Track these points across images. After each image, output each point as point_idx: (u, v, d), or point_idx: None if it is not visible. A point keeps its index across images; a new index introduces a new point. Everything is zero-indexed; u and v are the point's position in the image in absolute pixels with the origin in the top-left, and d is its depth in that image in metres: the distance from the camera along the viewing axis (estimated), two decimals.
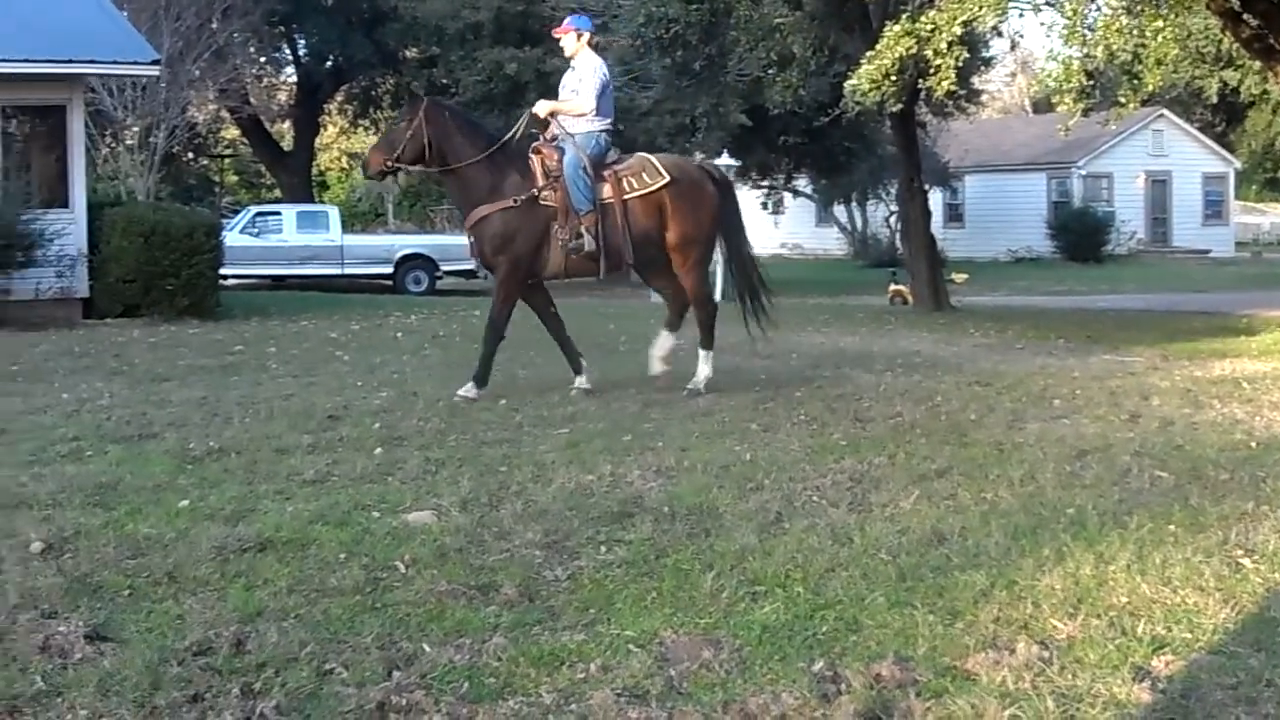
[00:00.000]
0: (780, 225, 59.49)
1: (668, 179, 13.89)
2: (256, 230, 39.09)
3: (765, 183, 51.07)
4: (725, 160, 32.95)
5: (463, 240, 42.72)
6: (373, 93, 53.34)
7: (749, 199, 46.11)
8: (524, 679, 5.72)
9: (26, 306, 23.05)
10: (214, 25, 35.79)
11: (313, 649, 5.97)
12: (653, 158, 14.33)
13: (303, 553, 7.53)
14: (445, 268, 39.87)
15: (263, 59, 51.04)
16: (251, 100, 48.80)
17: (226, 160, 63.94)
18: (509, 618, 6.44)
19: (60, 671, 5.76)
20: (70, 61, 23.98)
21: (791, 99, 28.39)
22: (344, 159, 72.28)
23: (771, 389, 14.11)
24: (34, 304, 23.18)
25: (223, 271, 27.00)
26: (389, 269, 39.43)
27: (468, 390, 13.34)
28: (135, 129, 34.75)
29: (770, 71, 28.72)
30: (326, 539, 7.78)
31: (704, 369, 14.25)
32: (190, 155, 52.97)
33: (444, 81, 41.66)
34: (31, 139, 25.77)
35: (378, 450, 10.46)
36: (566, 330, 14.43)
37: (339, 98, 55.18)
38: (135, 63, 25.50)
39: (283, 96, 56.56)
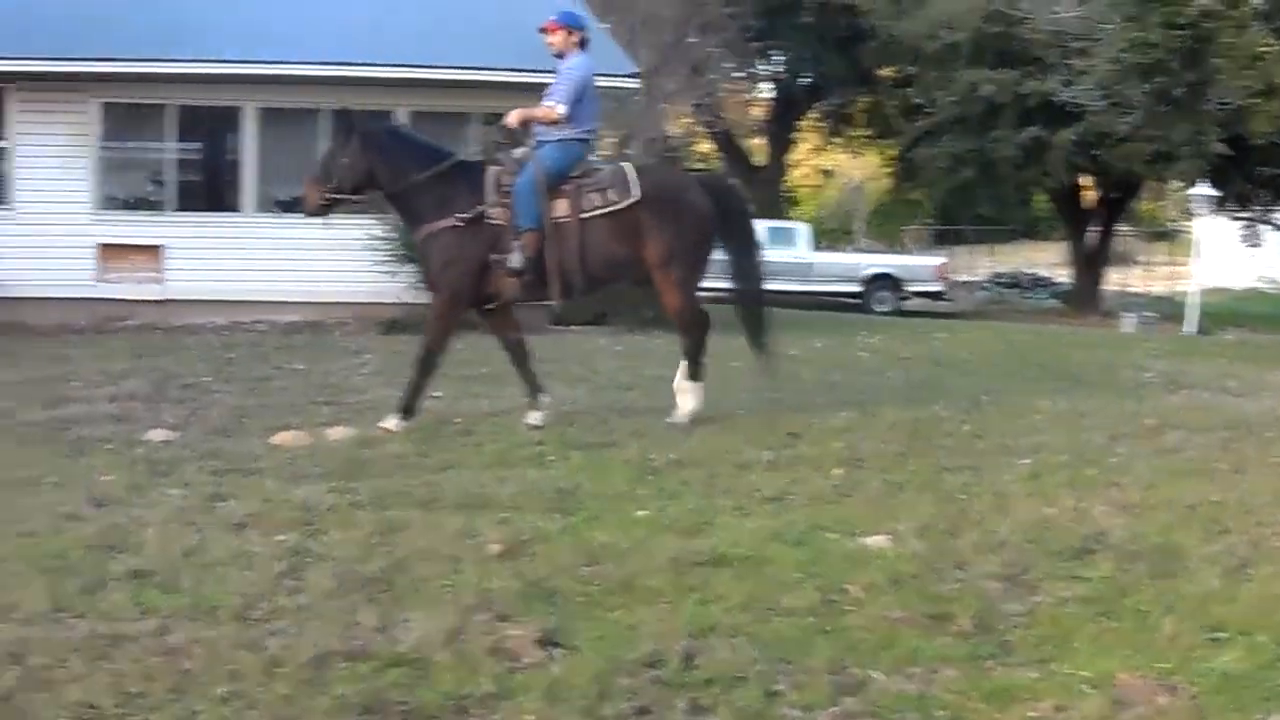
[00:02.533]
0: (1256, 258, 57.46)
1: (636, 197, 12.43)
2: None
3: (1244, 214, 49.36)
4: (1202, 190, 31.86)
5: (930, 261, 42.85)
6: (847, 111, 53.33)
7: (1227, 231, 44.53)
8: (974, 714, 5.52)
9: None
10: (691, 40, 36.17)
11: (762, 668, 5.87)
12: (630, 170, 12.78)
13: (758, 570, 7.44)
14: (912, 288, 39.62)
15: (738, 75, 51.52)
16: (725, 115, 49.29)
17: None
18: (962, 649, 6.24)
19: (509, 675, 5.78)
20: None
21: (1273, 129, 27.39)
22: (816, 175, 72.55)
23: (1242, 429, 13.41)
24: None
25: None
26: (856, 287, 39.36)
27: (389, 422, 12.11)
28: (612, 140, 35.37)
29: (1253, 100, 27.79)
30: (782, 558, 7.67)
31: (689, 402, 12.87)
32: None
33: (918, 101, 41.41)
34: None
35: (837, 470, 10.31)
36: (529, 362, 13.10)
37: (813, 115, 55.32)
38: (613, 75, 25.89)
39: (757, 112, 57.03)
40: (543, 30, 12.83)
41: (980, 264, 55.87)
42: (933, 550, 7.92)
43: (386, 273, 23.21)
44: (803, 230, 41.61)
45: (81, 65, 22.93)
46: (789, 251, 39.08)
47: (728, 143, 53.69)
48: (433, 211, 12.37)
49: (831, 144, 58.39)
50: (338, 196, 12.48)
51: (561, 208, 12.36)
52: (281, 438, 11.46)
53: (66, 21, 23.41)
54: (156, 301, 23.36)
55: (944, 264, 42.87)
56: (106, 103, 23.85)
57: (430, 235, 12.41)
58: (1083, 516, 8.95)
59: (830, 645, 6.23)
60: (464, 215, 12.24)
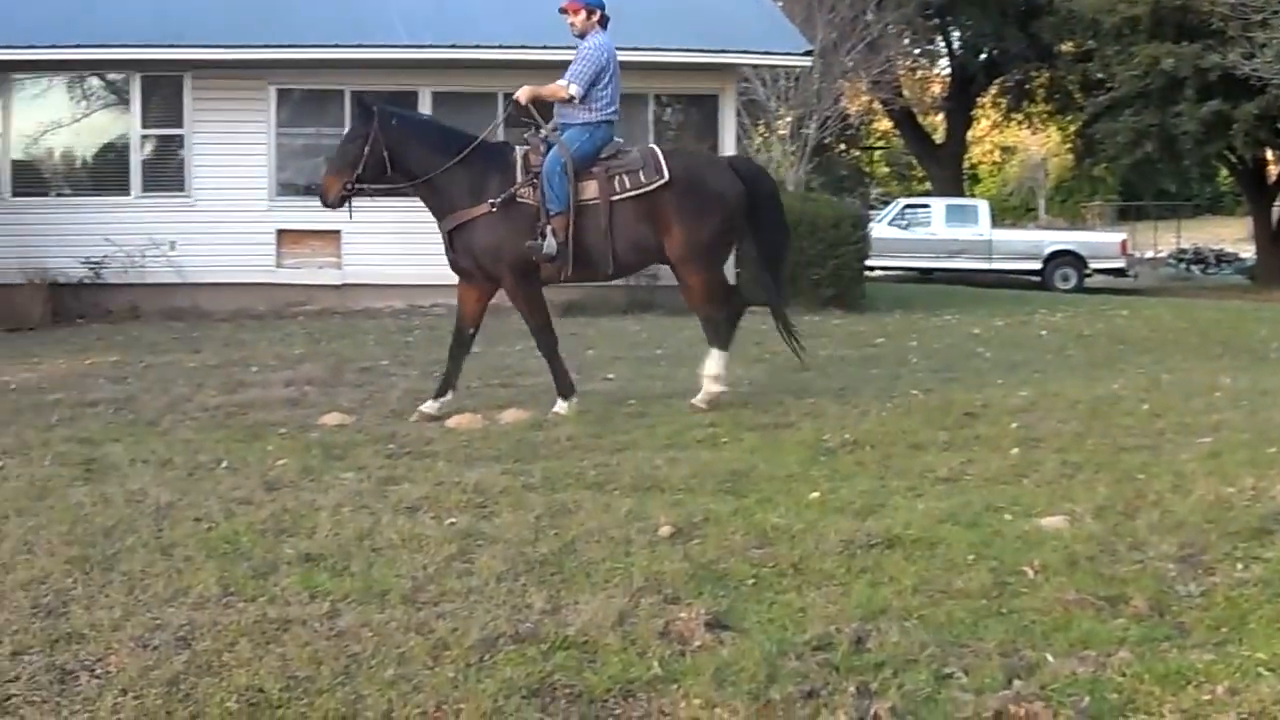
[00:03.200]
0: None
1: (665, 178, 12.23)
2: (905, 222, 39.27)
3: None
4: None
5: (1112, 237, 42.26)
6: (1026, 86, 52.73)
7: None
8: (1147, 696, 5.38)
9: (673, 292, 23.43)
10: (868, 17, 35.87)
11: (933, 651, 5.77)
12: (659, 151, 12.61)
13: (930, 552, 7.33)
14: (1094, 265, 39.12)
15: (916, 51, 51.18)
16: (904, 92, 48.95)
17: (877, 152, 64.47)
18: (1136, 632, 6.09)
19: (678, 658, 5.74)
20: (723, 51, 24.48)
21: None
22: (996, 152, 71.87)
23: None
24: (678, 289, 23.72)
25: (869, 263, 27.08)
26: (1037, 265, 38.92)
27: (559, 407, 12.11)
28: (787, 119, 35.21)
29: None
30: (955, 539, 7.55)
31: (715, 366, 12.54)
32: (842, 146, 53.59)
33: (1099, 76, 40.86)
34: (683, 127, 26.43)
35: (1014, 450, 10.15)
36: (464, 358, 12.60)
37: (992, 91, 54.77)
38: (788, 53, 25.79)
39: (936, 89, 56.61)
40: (562, 10, 12.55)
41: (1163, 240, 55.06)
42: (1109, 531, 7.75)
43: None
44: (983, 208, 41.24)
45: (258, 52, 23.19)
46: (969, 229, 38.81)
47: (907, 120, 53.30)
48: (465, 198, 12.19)
49: (1011, 120, 57.79)
50: (359, 187, 12.30)
51: (590, 190, 12.16)
52: (456, 420, 11.53)
53: (242, 9, 23.74)
54: (335, 286, 23.60)
55: (1126, 240, 42.30)
56: (282, 89, 24.12)
57: (467, 223, 12.18)
58: (1262, 496, 8.71)
59: (1003, 627, 6.12)
60: (496, 200, 12.06)
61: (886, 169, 67.63)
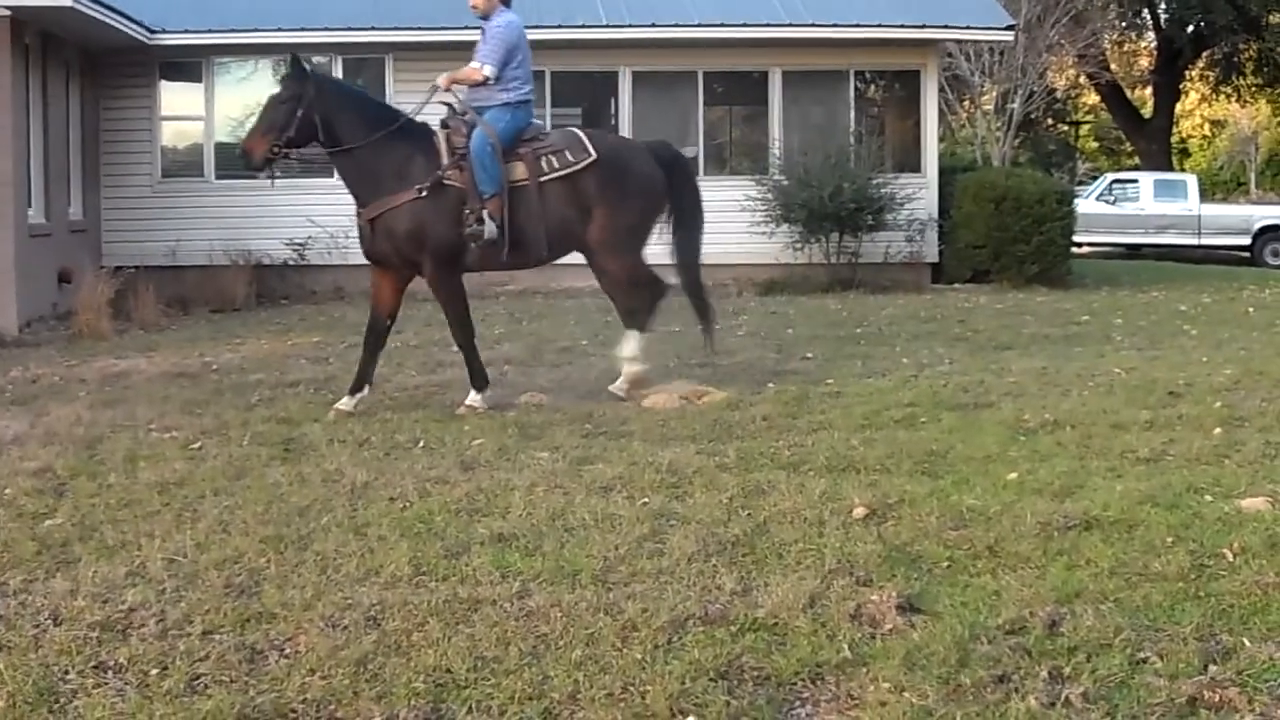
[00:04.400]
0: None
1: (593, 156, 11.96)
2: (1112, 198, 38.64)
3: None
4: None
5: None
6: (1234, 59, 51.61)
7: None
8: None
9: (876, 269, 23.52)
10: None
11: (1128, 635, 5.65)
12: (581, 133, 12.37)
13: (1128, 534, 7.18)
14: None
15: (1122, 24, 50.34)
16: (1111, 66, 48.18)
17: (1085, 127, 63.55)
18: None
19: (868, 641, 5.68)
20: (925, 27, 24.24)
21: None
22: (1206, 126, 70.51)
23: None
24: (883, 267, 23.63)
25: (1075, 239, 26.71)
26: (1246, 240, 38.10)
27: (473, 400, 11.70)
28: (992, 94, 34.86)
29: None
30: (1154, 521, 7.38)
31: (631, 347, 12.32)
32: (1048, 121, 52.90)
33: None
34: (885, 104, 26.31)
35: (1217, 430, 9.91)
36: (379, 351, 12.18)
37: (1200, 64, 53.68)
38: (990, 28, 25.52)
39: (1143, 62, 55.65)
40: None
41: None
42: None
43: (764, 233, 23.25)
44: (1191, 182, 40.45)
45: (458, 34, 23.34)
46: (1178, 204, 38.09)
47: (1114, 94, 52.44)
48: (389, 181, 11.78)
49: (1220, 93, 56.59)
50: (285, 149, 11.90)
51: (519, 171, 11.85)
52: (653, 400, 11.52)
53: None
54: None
55: None
56: None
57: (393, 210, 11.73)
58: None
59: (1200, 611, 5.97)
60: (424, 185, 11.68)
61: (1095, 144, 66.67)
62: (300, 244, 22.92)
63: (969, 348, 14.97)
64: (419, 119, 12.15)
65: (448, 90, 12.09)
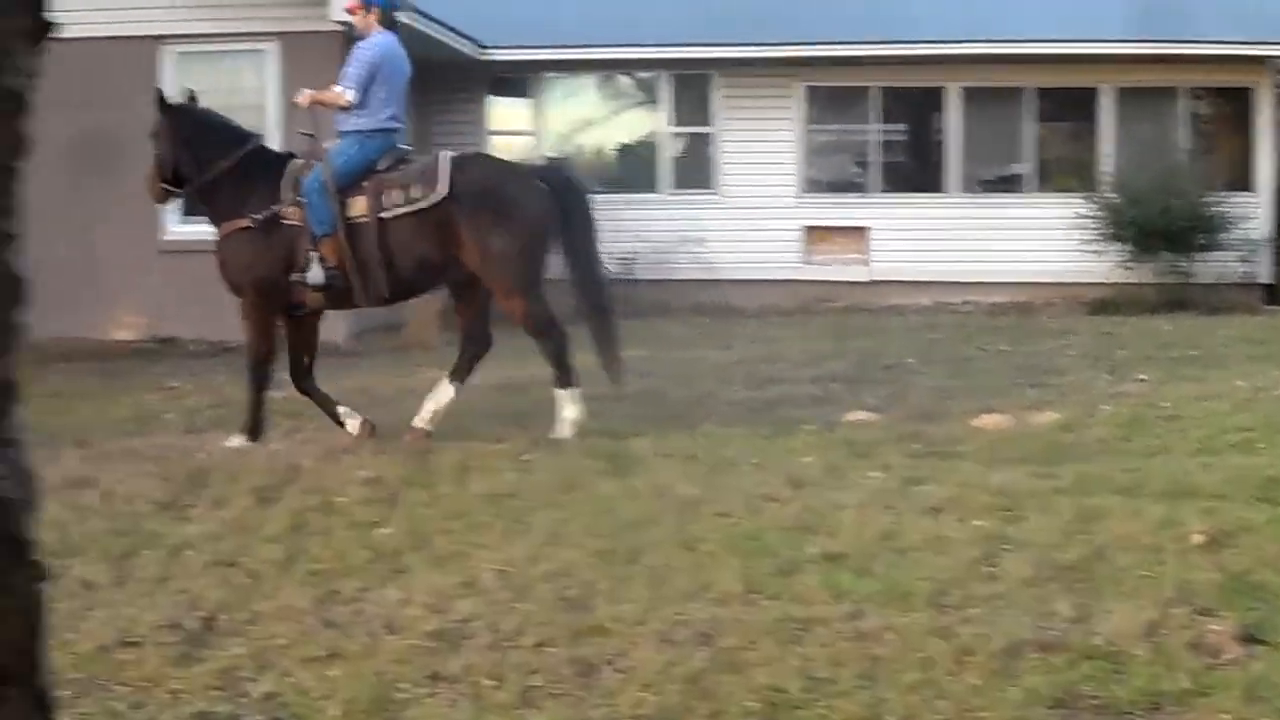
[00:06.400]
0: None
1: (443, 194, 10.82)
2: None
3: None
4: None
5: None
6: None
7: None
8: None
9: (1207, 290, 22.92)
10: None
11: None
12: (443, 162, 11.08)
13: None
14: None
15: None
16: None
17: None
18: None
19: (1207, 672, 5.53)
20: (1259, 43, 23.56)
21: None
22: None
23: None
24: (1215, 287, 23.00)
25: None
26: None
27: (235, 441, 10.92)
28: None
29: None
30: None
31: (568, 411, 11.05)
32: None
33: None
34: (1216, 121, 25.62)
35: None
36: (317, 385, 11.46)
37: None
38: None
39: None
40: (346, 10, 11.83)
41: None
42: None
43: (1093, 252, 22.86)
44: None
45: (786, 50, 23.45)
46: None
47: None
48: (228, 208, 11.15)
49: None
50: (170, 188, 11.51)
51: (359, 206, 10.95)
52: (983, 420, 11.37)
53: (768, 6, 23.97)
54: (861, 283, 23.65)
55: None
56: (810, 86, 24.30)
57: (224, 238, 11.15)
58: None
59: None
60: (258, 215, 11.00)
61: None
62: (628, 258, 23.13)
63: None
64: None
65: (309, 108, 11.46)
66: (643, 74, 24.96)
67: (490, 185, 11.19)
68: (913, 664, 5.63)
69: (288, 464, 9.94)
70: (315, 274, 10.89)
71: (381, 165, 11.10)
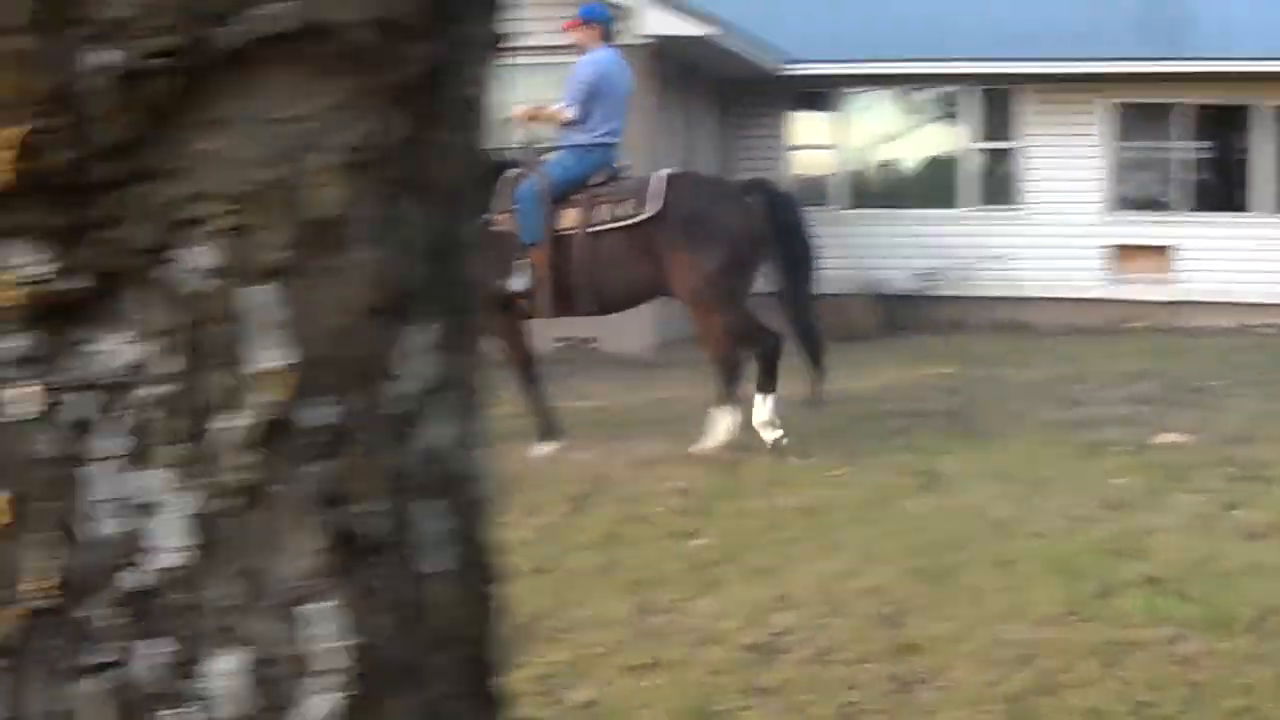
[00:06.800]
0: None
1: (651, 212, 10.83)
2: None
3: None
4: None
5: None
6: None
7: None
8: None
9: None
10: None
11: None
12: (657, 180, 11.11)
13: None
14: None
15: None
16: None
17: None
18: None
19: None
20: None
21: None
22: None
23: None
24: None
25: None
26: None
27: (541, 449, 10.93)
28: None
29: None
30: None
31: (761, 415, 10.97)
32: None
33: None
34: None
35: None
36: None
37: None
38: None
39: None
40: (565, 28, 11.67)
41: None
42: None
43: None
44: None
45: (1093, 66, 23.12)
46: None
47: None
48: None
49: None
50: None
51: (570, 219, 11.08)
52: None
53: (1075, 23, 23.63)
54: (1162, 303, 23.22)
55: None
56: (1117, 102, 23.92)
57: None
58: None
59: None
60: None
61: None
62: (929, 274, 23.01)
63: None
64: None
65: (530, 123, 11.89)
66: (945, 88, 24.80)
67: (697, 204, 11.17)
68: (1234, 690, 5.56)
69: (596, 473, 10.12)
70: (518, 280, 11.06)
71: (596, 179, 11.25)
